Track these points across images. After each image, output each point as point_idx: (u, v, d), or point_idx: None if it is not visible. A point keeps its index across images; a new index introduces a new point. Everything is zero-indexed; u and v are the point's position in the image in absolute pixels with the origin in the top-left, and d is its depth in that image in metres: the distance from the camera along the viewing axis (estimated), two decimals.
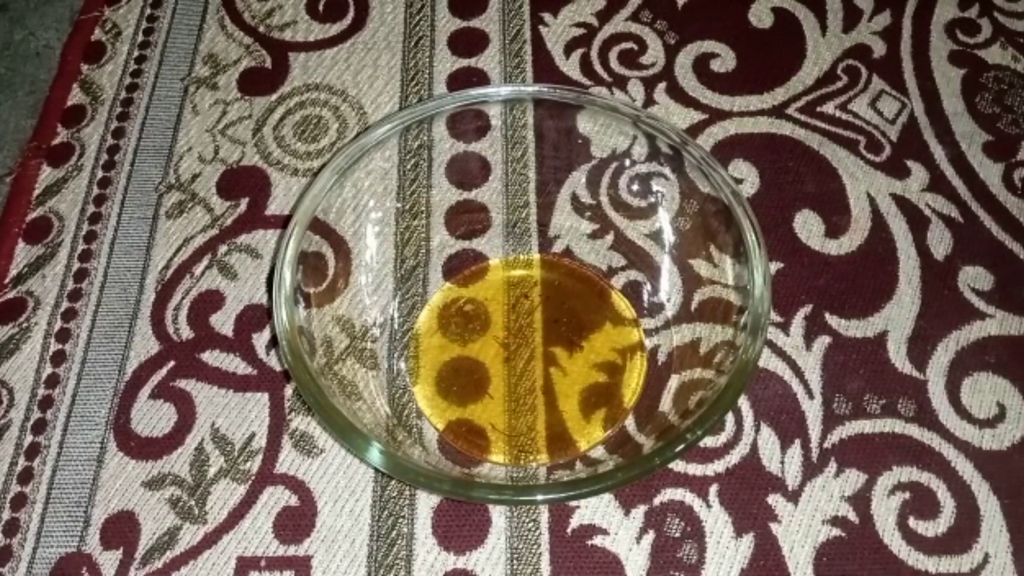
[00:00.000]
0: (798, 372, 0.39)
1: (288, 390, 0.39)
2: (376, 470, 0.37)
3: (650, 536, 0.35)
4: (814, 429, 0.38)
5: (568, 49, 0.49)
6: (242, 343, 0.40)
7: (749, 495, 0.36)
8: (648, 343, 0.39)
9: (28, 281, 0.42)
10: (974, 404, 0.38)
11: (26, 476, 0.37)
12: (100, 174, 0.45)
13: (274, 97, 0.47)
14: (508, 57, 0.48)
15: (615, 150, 0.42)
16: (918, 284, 0.41)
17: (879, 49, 0.49)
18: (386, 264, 0.41)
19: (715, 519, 0.36)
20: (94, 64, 0.48)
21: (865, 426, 0.38)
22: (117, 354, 0.40)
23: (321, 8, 0.50)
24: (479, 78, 0.48)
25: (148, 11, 0.50)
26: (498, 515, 0.36)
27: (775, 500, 0.36)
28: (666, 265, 0.41)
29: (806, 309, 0.40)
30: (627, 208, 0.42)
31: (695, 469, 0.37)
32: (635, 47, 0.49)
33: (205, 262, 0.42)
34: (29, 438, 0.38)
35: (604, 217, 0.42)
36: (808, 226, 0.43)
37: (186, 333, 0.40)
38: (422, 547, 0.36)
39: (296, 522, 0.36)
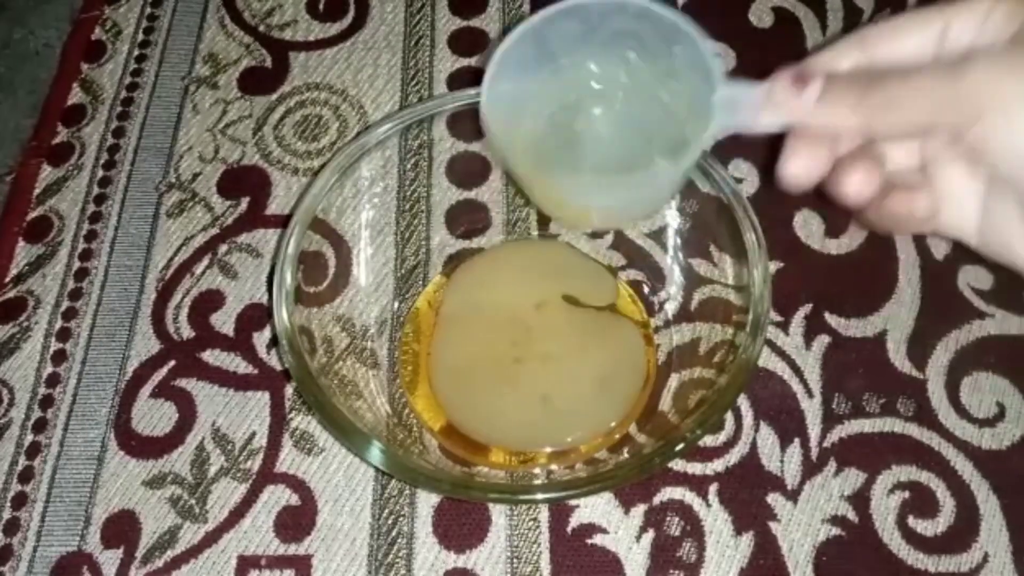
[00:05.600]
0: (798, 371, 0.39)
1: (288, 389, 0.39)
2: (376, 469, 0.37)
3: (650, 535, 0.36)
4: (813, 428, 0.38)
5: None
6: (243, 342, 0.40)
7: (749, 494, 0.36)
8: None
9: (28, 280, 0.42)
10: (974, 403, 0.38)
11: (27, 475, 0.37)
12: (100, 173, 0.45)
13: (274, 96, 0.47)
14: None
15: None
16: (918, 283, 0.41)
17: None
18: (386, 263, 0.41)
19: (715, 518, 0.36)
20: (94, 63, 0.48)
21: (864, 425, 0.38)
22: (118, 353, 0.40)
23: (321, 7, 0.50)
24: (479, 77, 0.47)
25: (148, 10, 0.50)
26: (498, 514, 0.36)
27: (775, 499, 0.36)
28: (666, 264, 0.41)
29: (806, 308, 0.40)
30: None
31: (695, 468, 0.37)
32: None
33: (206, 261, 0.42)
34: (30, 437, 0.38)
35: None
36: (808, 225, 0.43)
37: (187, 332, 0.40)
38: (422, 546, 0.36)
39: (296, 521, 0.36)
